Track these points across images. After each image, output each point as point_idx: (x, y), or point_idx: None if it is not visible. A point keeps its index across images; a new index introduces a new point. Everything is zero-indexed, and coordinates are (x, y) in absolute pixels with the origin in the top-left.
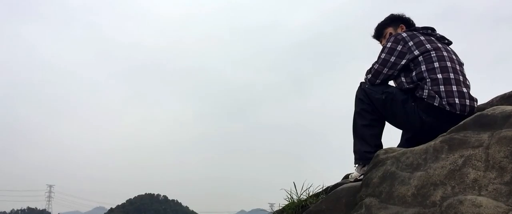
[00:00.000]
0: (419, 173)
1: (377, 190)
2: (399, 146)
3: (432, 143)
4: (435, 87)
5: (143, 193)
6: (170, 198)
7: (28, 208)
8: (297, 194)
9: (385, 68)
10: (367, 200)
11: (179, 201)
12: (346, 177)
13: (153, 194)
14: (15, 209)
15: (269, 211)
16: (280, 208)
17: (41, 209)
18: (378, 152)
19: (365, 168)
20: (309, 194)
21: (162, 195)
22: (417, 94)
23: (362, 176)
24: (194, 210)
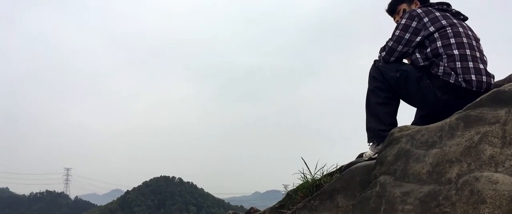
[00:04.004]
0: (434, 151)
1: (391, 168)
2: (413, 124)
3: (447, 120)
4: (451, 64)
5: (159, 176)
6: (185, 180)
7: (47, 191)
8: (311, 173)
9: (400, 46)
10: (382, 178)
11: (194, 183)
12: (360, 156)
13: (169, 176)
14: (34, 192)
15: (283, 192)
16: (295, 187)
17: (59, 192)
18: (392, 130)
19: (379, 147)
20: (323, 173)
21: (177, 177)
22: (432, 72)
23: (376, 155)
24: (209, 192)
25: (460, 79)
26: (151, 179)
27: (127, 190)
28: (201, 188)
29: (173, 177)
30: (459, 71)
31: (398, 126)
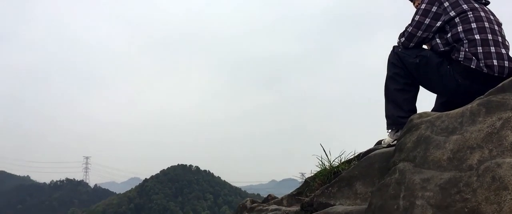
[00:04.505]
0: (455, 137)
1: (411, 155)
2: (433, 110)
3: (468, 106)
4: (472, 49)
5: (176, 164)
6: (202, 168)
7: (67, 179)
8: (329, 160)
9: (419, 31)
10: (401, 165)
11: (211, 172)
12: (379, 143)
13: (186, 164)
14: (54, 180)
15: (300, 180)
16: (312, 174)
17: (79, 180)
18: (412, 117)
19: (398, 133)
20: (341, 160)
21: (194, 165)
22: (453, 57)
23: (395, 141)
24: (226, 180)
25: (481, 65)
26: (168, 167)
27: (145, 178)
28: (218, 176)
29: (190, 166)
30: (481, 56)
31: (418, 112)
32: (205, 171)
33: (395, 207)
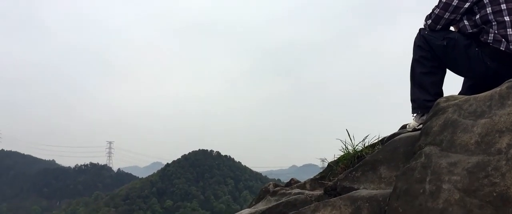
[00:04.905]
0: (483, 121)
1: (437, 139)
2: (460, 93)
3: (497, 89)
4: (501, 30)
5: (197, 149)
6: (223, 153)
7: (91, 164)
8: (353, 145)
9: (447, 13)
10: (427, 149)
11: (232, 157)
12: (403, 127)
13: (207, 150)
14: (79, 164)
15: (320, 166)
16: (335, 159)
17: (102, 164)
18: (438, 100)
19: (424, 117)
20: (364, 145)
21: (215, 151)
22: (482, 39)
23: (420, 126)
24: (247, 166)
25: (511, 47)
26: (190, 152)
27: (167, 163)
28: (239, 162)
29: (211, 151)
30: (510, 38)
31: (444, 95)
32: (226, 156)
33: (421, 191)
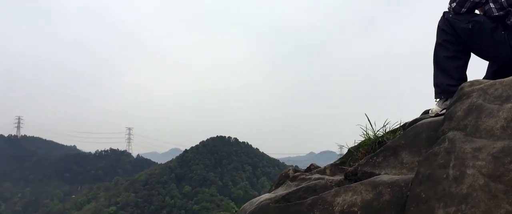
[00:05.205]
0: (509, 105)
1: (461, 124)
2: (485, 78)
3: None
4: None
5: (215, 136)
6: (240, 140)
7: (111, 149)
8: (373, 130)
9: None
10: (451, 134)
11: (250, 143)
12: (425, 112)
13: (225, 136)
14: (99, 150)
15: (338, 153)
16: (356, 144)
17: (122, 150)
18: (463, 85)
19: (447, 102)
20: (385, 130)
21: (233, 137)
22: (508, 22)
23: (443, 111)
24: (265, 152)
25: None
26: (208, 138)
27: (185, 149)
28: (256, 148)
29: (229, 137)
30: None
31: (468, 80)
32: (243, 142)
33: (444, 176)
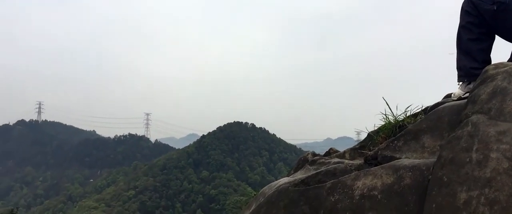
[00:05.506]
0: None
1: (485, 107)
2: (510, 61)
3: None
4: None
5: (232, 121)
6: (257, 126)
7: (129, 134)
8: (394, 114)
9: None
10: (474, 117)
11: (266, 129)
12: (448, 96)
13: (241, 122)
14: (118, 135)
15: (355, 139)
16: (376, 129)
17: (140, 135)
18: (487, 67)
19: (470, 86)
20: (406, 114)
21: (250, 123)
22: None
23: (466, 94)
24: (281, 138)
25: None
26: (225, 124)
27: (203, 135)
28: (273, 134)
29: (246, 123)
30: None
31: (493, 63)
32: (260, 128)
33: (468, 159)
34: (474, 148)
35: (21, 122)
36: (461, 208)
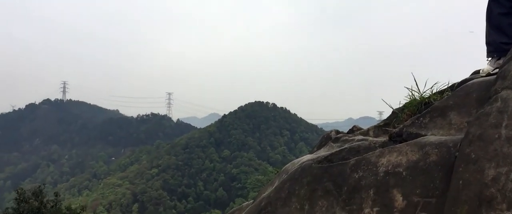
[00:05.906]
0: None
1: None
2: None
3: None
4: None
5: (253, 101)
6: (278, 105)
7: (152, 114)
8: (419, 91)
9: None
10: (504, 93)
11: (288, 109)
12: (476, 72)
13: (263, 101)
14: (141, 114)
15: (377, 119)
16: (401, 106)
17: (162, 114)
18: None
19: (500, 61)
20: (432, 91)
21: (271, 102)
22: None
23: (496, 70)
24: (303, 117)
25: None
26: (246, 104)
27: (224, 114)
28: (294, 113)
29: (267, 102)
30: None
31: None
32: (281, 108)
33: (496, 136)
34: (504, 124)
35: (46, 101)
36: (489, 184)
